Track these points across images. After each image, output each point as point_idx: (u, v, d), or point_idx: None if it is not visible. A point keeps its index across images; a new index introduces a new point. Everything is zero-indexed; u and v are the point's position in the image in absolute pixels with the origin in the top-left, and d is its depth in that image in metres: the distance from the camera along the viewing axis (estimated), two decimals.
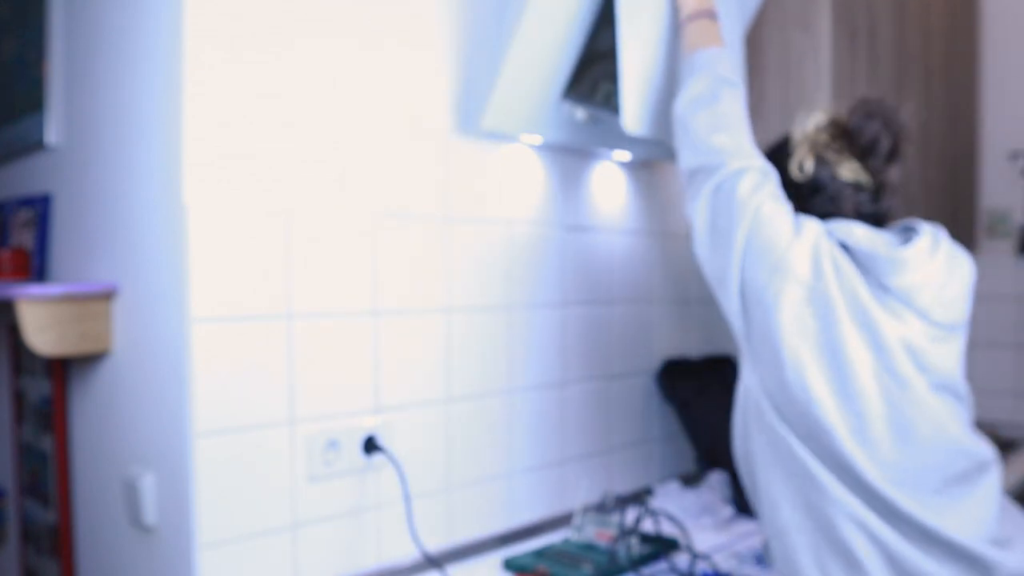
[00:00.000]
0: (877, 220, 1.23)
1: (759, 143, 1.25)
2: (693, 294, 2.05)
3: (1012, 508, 1.17)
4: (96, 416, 1.39)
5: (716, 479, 1.80)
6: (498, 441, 1.59)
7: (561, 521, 1.68)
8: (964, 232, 2.79)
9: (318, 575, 1.32)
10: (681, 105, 1.26)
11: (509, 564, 1.46)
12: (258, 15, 1.23)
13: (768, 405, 1.11)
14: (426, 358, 1.47)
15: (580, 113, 1.59)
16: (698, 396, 1.93)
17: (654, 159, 1.88)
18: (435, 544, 1.47)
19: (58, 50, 1.47)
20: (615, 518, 1.53)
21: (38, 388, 1.54)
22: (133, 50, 1.28)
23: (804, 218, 1.16)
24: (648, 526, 1.59)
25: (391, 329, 1.41)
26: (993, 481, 1.12)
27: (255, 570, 1.24)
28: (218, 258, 1.20)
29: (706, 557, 1.46)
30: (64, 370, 1.46)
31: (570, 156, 1.73)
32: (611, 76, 1.55)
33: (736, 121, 1.22)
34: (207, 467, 1.19)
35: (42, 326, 1.26)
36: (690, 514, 1.70)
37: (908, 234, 1.21)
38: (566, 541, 1.57)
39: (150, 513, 1.25)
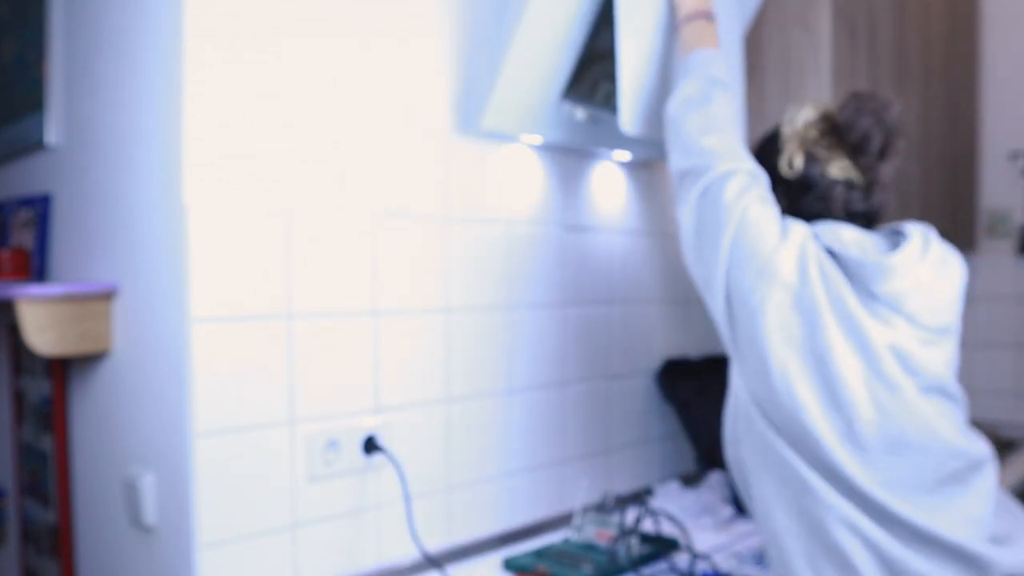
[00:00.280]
0: (868, 218, 1.21)
1: (745, 147, 1.24)
2: (693, 294, 2.05)
3: (1011, 505, 1.16)
4: (96, 416, 1.39)
5: (716, 479, 1.80)
6: (498, 441, 1.59)
7: (561, 521, 1.68)
8: (964, 232, 2.79)
9: (318, 575, 1.32)
10: (673, 106, 1.25)
11: (509, 564, 1.46)
12: (258, 15, 1.23)
13: (757, 411, 1.10)
14: (426, 358, 1.47)
15: (580, 113, 1.59)
16: (698, 396, 1.93)
17: (654, 159, 1.88)
18: (435, 544, 1.47)
19: (58, 50, 1.47)
20: (615, 518, 1.53)
21: (38, 388, 1.54)
22: (133, 50, 1.28)
23: (791, 221, 1.14)
24: (648, 526, 1.59)
25: (391, 329, 1.41)
26: (988, 479, 1.11)
27: (255, 570, 1.24)
28: (218, 258, 1.20)
29: (706, 557, 1.46)
30: (64, 370, 1.46)
31: (570, 156, 1.73)
32: (611, 76, 1.55)
33: (727, 123, 1.21)
34: (207, 467, 1.19)
35: (42, 326, 1.26)
36: (690, 514, 1.70)
37: (897, 238, 1.19)
38: (566, 541, 1.57)
39: (150, 513, 1.25)
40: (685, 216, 1.17)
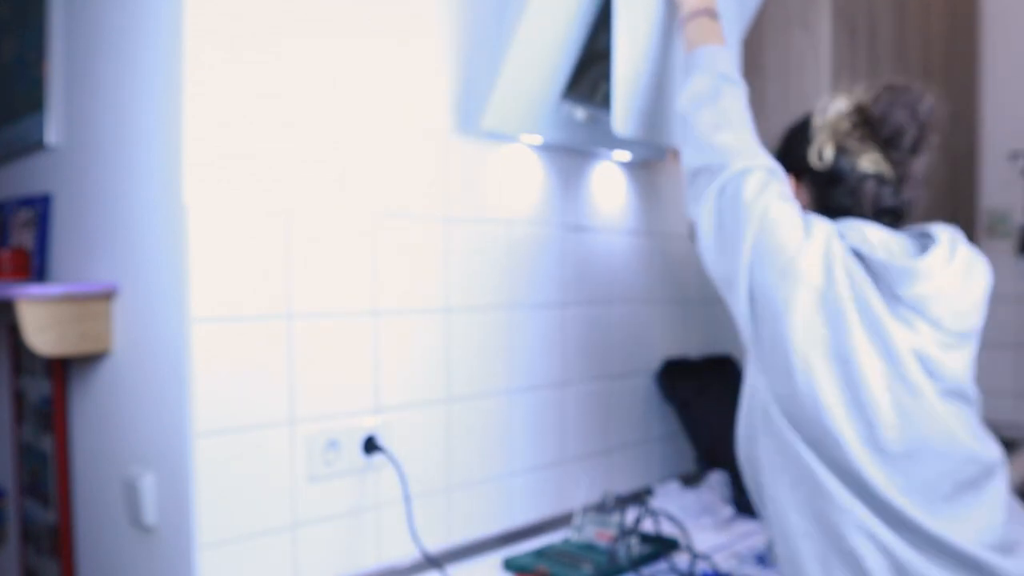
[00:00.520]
0: (897, 214, 1.18)
1: (759, 143, 1.23)
2: (693, 294, 2.05)
3: (1019, 510, 1.15)
4: (96, 416, 1.39)
5: (716, 479, 1.80)
6: (498, 441, 1.59)
7: (561, 521, 1.68)
8: (964, 232, 2.78)
9: (318, 575, 1.32)
10: (683, 103, 1.24)
11: (509, 564, 1.46)
12: (258, 15, 1.23)
13: (777, 410, 1.08)
14: (426, 358, 1.47)
15: (580, 113, 1.59)
16: (698, 396, 1.93)
17: (654, 159, 1.88)
18: (435, 544, 1.47)
19: (58, 50, 1.47)
20: (615, 518, 1.53)
21: (38, 388, 1.54)
22: (133, 50, 1.28)
23: (814, 218, 1.12)
24: (648, 526, 1.59)
25: (391, 329, 1.41)
26: (1000, 485, 1.10)
27: (255, 570, 1.24)
28: (218, 258, 1.20)
29: (706, 557, 1.46)
30: (64, 370, 1.46)
31: (570, 156, 1.73)
32: (610, 76, 1.55)
33: (739, 119, 1.20)
34: (207, 467, 1.19)
35: (42, 326, 1.26)
36: (690, 514, 1.70)
37: (924, 240, 1.17)
38: (566, 541, 1.57)
39: (150, 513, 1.25)
40: (703, 215, 1.15)
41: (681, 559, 1.48)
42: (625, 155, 1.80)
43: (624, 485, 1.86)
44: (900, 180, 1.18)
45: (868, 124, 1.17)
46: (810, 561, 1.07)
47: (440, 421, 1.50)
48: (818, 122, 1.20)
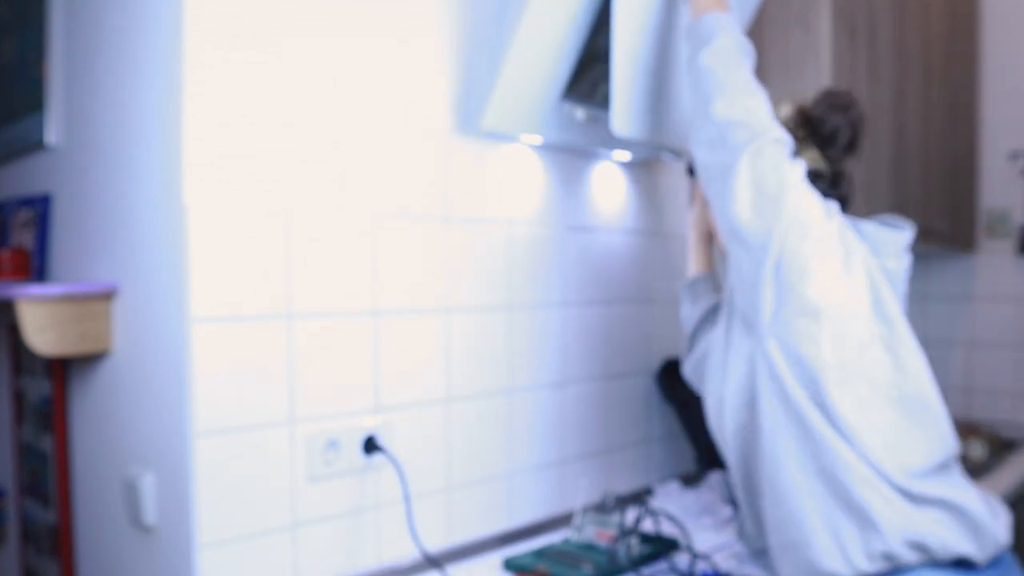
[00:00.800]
0: (839, 203, 1.28)
1: None
2: None
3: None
4: (96, 416, 1.39)
5: (716, 479, 1.80)
6: (498, 441, 1.59)
7: (561, 521, 1.68)
8: (964, 232, 2.79)
9: (318, 575, 1.32)
10: (712, 59, 1.24)
11: (509, 564, 1.46)
12: (258, 15, 1.23)
13: (789, 373, 1.13)
14: (426, 358, 1.47)
15: (580, 113, 1.59)
16: (698, 396, 1.93)
17: (654, 159, 1.88)
18: (435, 544, 1.47)
19: (58, 50, 1.47)
20: (615, 518, 1.53)
21: (38, 388, 1.54)
22: (133, 50, 1.28)
23: (831, 202, 1.22)
24: (648, 526, 1.59)
25: (391, 329, 1.41)
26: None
27: (255, 570, 1.24)
28: (218, 258, 1.20)
29: (706, 557, 1.46)
30: (64, 370, 1.46)
31: (570, 156, 1.73)
32: (610, 77, 1.55)
33: (760, 88, 1.24)
34: (207, 467, 1.19)
35: (42, 326, 1.26)
36: (690, 514, 1.70)
37: (891, 225, 1.29)
38: (566, 541, 1.57)
39: (150, 513, 1.25)
40: (741, 171, 1.17)
41: (681, 559, 1.49)
42: (625, 155, 1.80)
43: (624, 485, 1.86)
44: (836, 176, 1.31)
45: (809, 125, 1.30)
46: (815, 519, 1.10)
47: (440, 421, 1.50)
48: None
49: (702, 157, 1.23)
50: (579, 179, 1.75)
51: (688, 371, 1.52)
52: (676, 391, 1.93)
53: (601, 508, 1.62)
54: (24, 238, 1.56)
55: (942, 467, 1.13)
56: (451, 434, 1.52)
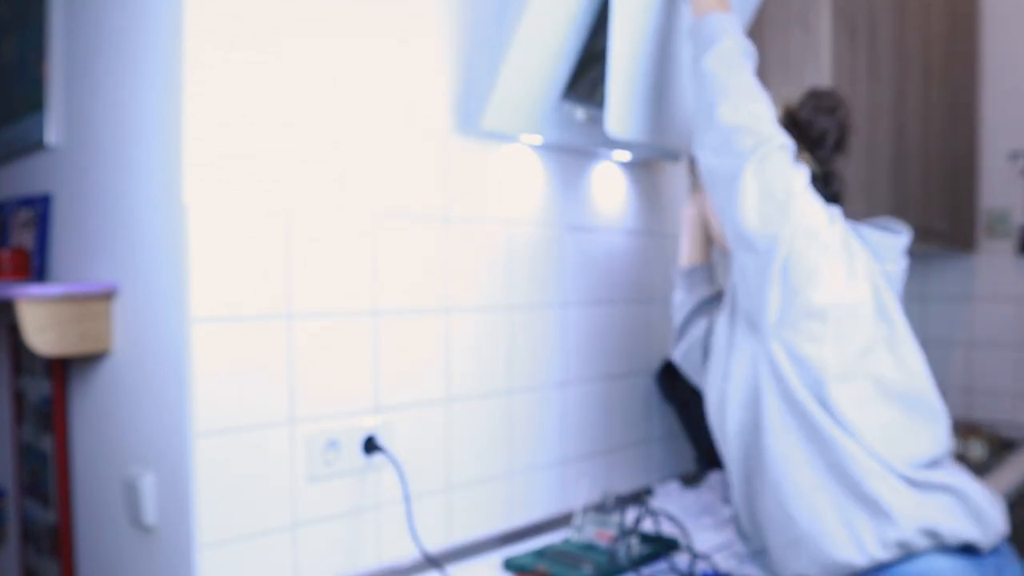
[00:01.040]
0: (833, 203, 1.31)
1: None
2: None
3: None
4: (96, 416, 1.39)
5: (716, 479, 1.80)
6: (498, 441, 1.59)
7: (561, 521, 1.68)
8: (964, 232, 2.79)
9: (318, 575, 1.32)
10: (716, 63, 1.25)
11: (509, 564, 1.46)
12: (258, 15, 1.23)
13: (793, 372, 1.15)
14: (426, 358, 1.47)
15: (580, 113, 1.59)
16: (698, 396, 1.93)
17: (654, 159, 1.88)
18: (435, 544, 1.47)
19: (58, 50, 1.47)
20: (615, 518, 1.53)
21: (38, 388, 1.54)
22: (133, 50, 1.28)
23: (833, 207, 1.24)
24: (648, 526, 1.59)
25: (391, 329, 1.41)
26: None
27: (255, 570, 1.24)
28: (218, 258, 1.20)
29: (706, 557, 1.46)
30: (64, 370, 1.46)
31: (570, 156, 1.73)
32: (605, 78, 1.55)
33: (763, 94, 1.25)
34: (207, 467, 1.19)
35: (42, 326, 1.26)
36: (690, 514, 1.70)
37: (889, 230, 1.31)
38: (566, 541, 1.57)
39: (150, 513, 1.25)
40: (748, 176, 1.18)
41: (681, 559, 1.49)
42: (625, 155, 1.80)
43: (624, 485, 1.86)
44: (827, 176, 1.34)
45: (797, 127, 1.32)
46: (827, 513, 1.13)
47: (440, 421, 1.50)
48: None
49: (707, 161, 1.23)
50: (579, 179, 1.75)
51: (678, 357, 1.55)
52: (676, 391, 1.93)
53: (601, 508, 1.62)
54: (24, 238, 1.56)
55: (937, 462, 1.17)
56: (451, 434, 1.52)
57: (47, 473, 1.52)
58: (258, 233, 1.24)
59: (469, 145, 1.53)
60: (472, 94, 1.50)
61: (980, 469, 2.19)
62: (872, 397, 1.15)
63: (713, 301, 1.54)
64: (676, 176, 2.00)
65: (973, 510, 1.12)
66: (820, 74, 1.95)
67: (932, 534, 1.09)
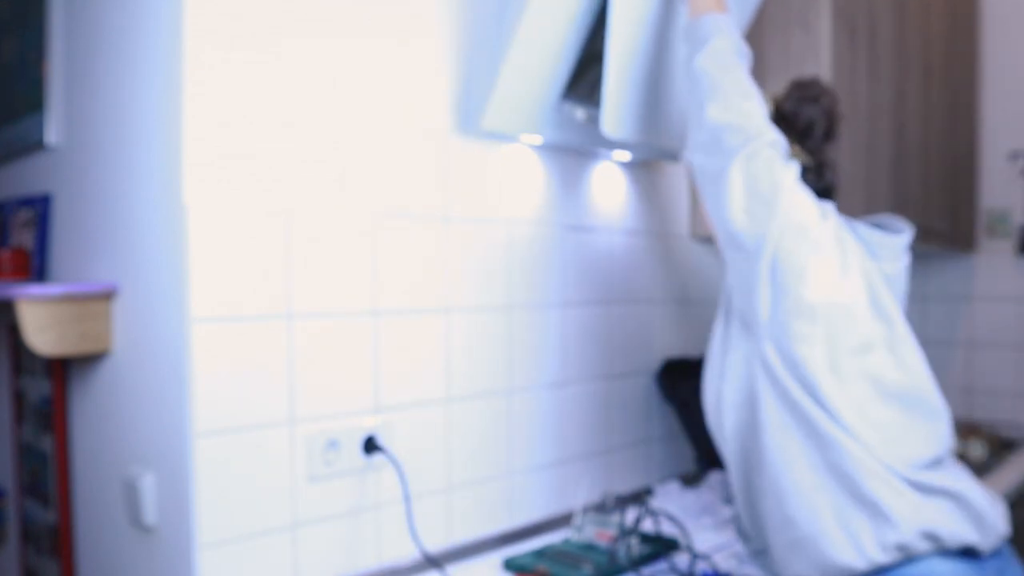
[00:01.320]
0: (824, 195, 1.29)
1: None
2: (693, 294, 2.05)
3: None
4: (96, 416, 1.39)
5: (716, 479, 1.80)
6: (498, 441, 1.59)
7: (561, 521, 1.68)
8: (964, 232, 2.79)
9: (318, 575, 1.32)
10: (708, 62, 1.25)
11: (509, 564, 1.46)
12: (258, 15, 1.23)
13: (787, 372, 1.14)
14: (426, 358, 1.47)
15: (580, 113, 1.59)
16: (698, 396, 1.93)
17: (654, 159, 1.88)
18: (435, 544, 1.47)
19: (58, 50, 1.47)
20: (615, 518, 1.53)
21: (38, 388, 1.54)
22: (133, 50, 1.28)
23: (826, 203, 1.23)
24: (648, 526, 1.59)
25: (391, 329, 1.41)
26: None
27: (255, 570, 1.24)
28: (218, 258, 1.20)
29: (706, 557, 1.46)
30: (64, 370, 1.46)
31: (570, 156, 1.73)
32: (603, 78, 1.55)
33: (756, 91, 1.25)
34: (207, 467, 1.19)
35: (42, 326, 1.26)
36: (690, 514, 1.70)
37: (888, 229, 1.29)
38: (566, 541, 1.57)
39: (150, 513, 1.25)
40: (735, 174, 1.18)
41: (681, 559, 1.49)
42: (625, 155, 1.80)
43: (624, 485, 1.86)
44: (819, 167, 1.32)
45: (783, 120, 1.31)
46: (825, 514, 1.11)
47: (440, 421, 1.50)
48: None
49: (697, 161, 1.23)
50: (579, 179, 1.75)
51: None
52: (676, 391, 1.93)
53: (601, 508, 1.62)
54: (24, 238, 1.56)
55: (938, 462, 1.15)
56: (451, 434, 1.52)
57: (47, 473, 1.52)
58: (258, 233, 1.24)
59: (469, 145, 1.53)
60: (472, 94, 1.50)
61: (980, 469, 2.19)
62: (871, 397, 1.14)
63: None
64: (676, 176, 2.00)
65: (973, 513, 1.11)
66: (820, 74, 1.95)
67: (932, 537, 1.08)
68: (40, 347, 1.26)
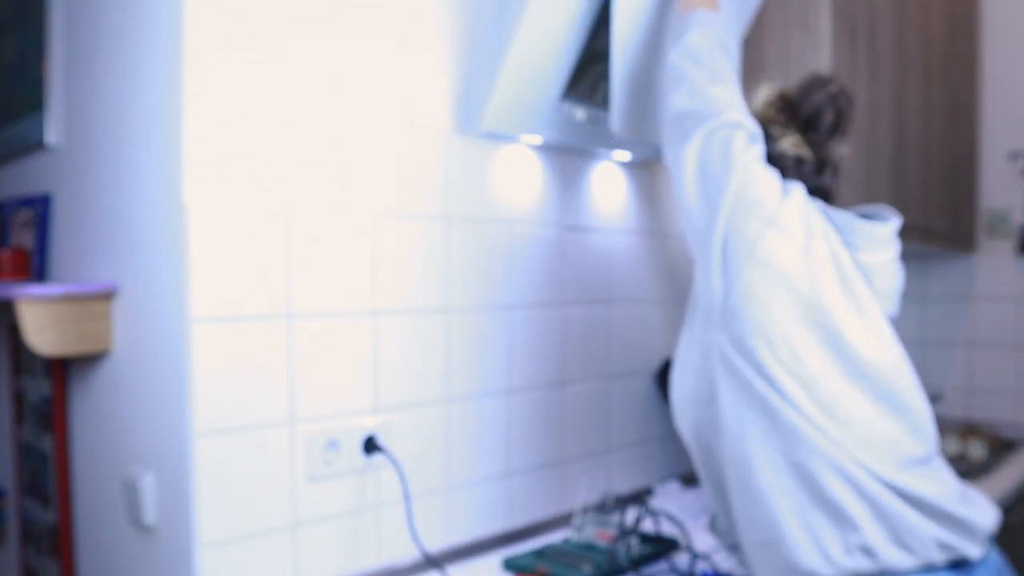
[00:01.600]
0: (821, 195, 1.23)
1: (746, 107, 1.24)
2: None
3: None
4: (96, 416, 1.39)
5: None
6: (498, 441, 1.59)
7: (561, 521, 1.68)
8: (964, 232, 2.79)
9: (318, 575, 1.32)
10: (679, 54, 1.24)
11: (509, 564, 1.46)
12: (258, 15, 1.23)
13: (744, 363, 1.08)
14: (426, 358, 1.47)
15: (580, 113, 1.60)
16: None
17: (654, 159, 1.88)
18: (435, 544, 1.47)
19: (58, 50, 1.47)
20: (615, 518, 1.53)
21: (38, 388, 1.54)
22: (133, 50, 1.28)
23: (791, 183, 1.16)
24: (648, 526, 1.59)
25: (391, 329, 1.41)
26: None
27: (255, 570, 1.24)
28: (218, 258, 1.20)
29: (706, 557, 1.46)
30: (64, 370, 1.46)
31: (570, 156, 1.73)
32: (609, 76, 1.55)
33: (732, 80, 1.22)
34: (207, 467, 1.19)
35: (42, 326, 1.26)
36: (690, 514, 1.70)
37: (874, 217, 1.22)
38: (566, 541, 1.57)
39: (150, 513, 1.25)
40: (688, 157, 1.15)
41: (681, 559, 1.49)
42: (625, 155, 1.80)
43: (624, 485, 1.86)
44: (820, 163, 1.23)
45: (790, 108, 1.24)
46: (788, 517, 1.06)
47: (440, 421, 1.50)
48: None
49: (664, 149, 1.21)
50: (579, 179, 1.75)
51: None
52: None
53: (601, 508, 1.62)
54: (24, 238, 1.56)
55: (920, 462, 1.09)
56: (451, 434, 1.52)
57: (47, 473, 1.52)
58: (258, 233, 1.24)
59: (469, 145, 1.53)
60: (472, 94, 1.50)
61: (980, 469, 2.19)
62: (839, 394, 1.06)
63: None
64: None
65: (955, 522, 1.05)
66: None
67: (901, 543, 1.03)
68: (40, 347, 1.26)
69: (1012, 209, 2.85)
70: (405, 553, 1.42)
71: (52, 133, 1.47)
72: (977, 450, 2.33)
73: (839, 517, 1.04)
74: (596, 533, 1.56)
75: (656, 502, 1.75)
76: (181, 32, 1.16)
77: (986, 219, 2.90)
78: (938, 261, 2.96)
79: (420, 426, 1.46)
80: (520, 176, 1.63)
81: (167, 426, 1.22)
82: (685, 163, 1.15)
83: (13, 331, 1.57)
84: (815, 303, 1.08)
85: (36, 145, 1.52)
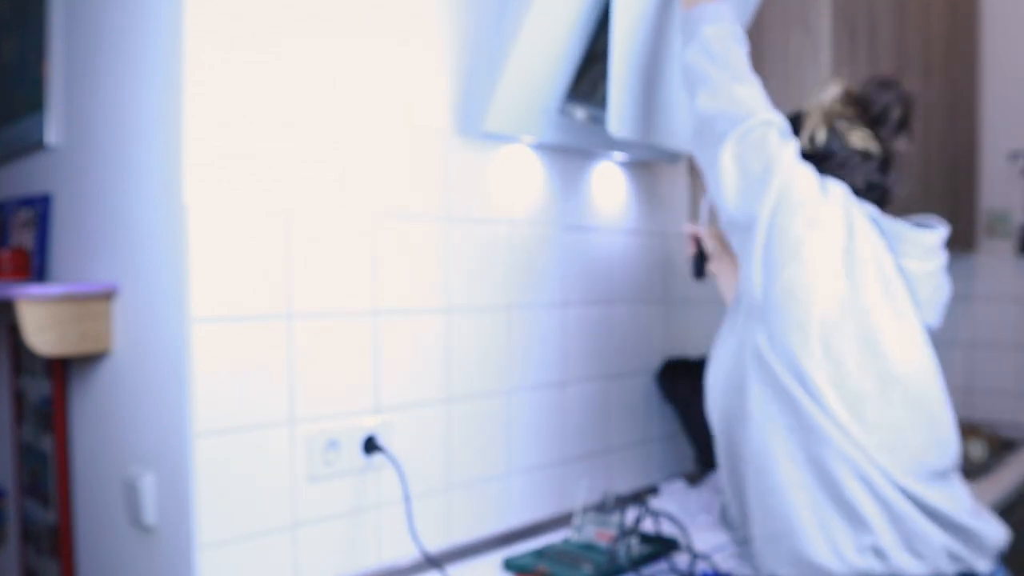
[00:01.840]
0: (883, 192, 1.24)
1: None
2: (693, 294, 2.05)
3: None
4: (96, 416, 1.39)
5: (716, 479, 1.80)
6: (498, 441, 1.59)
7: (561, 521, 1.68)
8: (964, 232, 2.79)
9: (318, 575, 1.32)
10: (695, 52, 1.24)
11: (509, 564, 1.46)
12: (258, 15, 1.23)
13: (776, 359, 1.10)
14: (426, 358, 1.47)
15: (580, 113, 1.59)
16: (698, 396, 1.93)
17: (654, 159, 1.88)
18: (435, 544, 1.47)
19: (58, 50, 1.47)
20: (615, 518, 1.53)
21: (38, 388, 1.54)
22: (133, 50, 1.28)
23: (829, 180, 1.17)
24: (648, 526, 1.59)
25: (391, 329, 1.41)
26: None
27: (255, 570, 1.24)
28: (218, 258, 1.20)
29: (706, 557, 1.46)
30: (64, 370, 1.46)
31: (570, 156, 1.73)
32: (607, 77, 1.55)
33: (751, 75, 1.23)
34: (207, 467, 1.19)
35: (42, 326, 1.26)
36: (690, 514, 1.70)
37: (918, 223, 1.23)
38: (566, 541, 1.57)
39: (150, 513, 1.25)
40: (724, 158, 1.16)
41: (681, 559, 1.49)
42: (625, 155, 1.80)
43: (624, 485, 1.86)
44: (886, 159, 1.24)
45: (857, 104, 1.25)
46: (803, 512, 1.08)
47: (440, 421, 1.50)
48: (811, 107, 1.26)
49: (696, 152, 1.23)
50: (579, 179, 1.75)
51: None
52: (676, 391, 1.93)
53: (601, 508, 1.62)
54: (24, 238, 1.56)
55: (940, 475, 1.10)
56: (451, 434, 1.52)
57: (47, 473, 1.52)
58: (258, 233, 1.24)
59: (469, 145, 1.53)
60: (473, 95, 1.50)
61: (980, 469, 2.19)
62: (867, 397, 1.08)
63: None
64: (676, 176, 2.00)
65: (963, 535, 1.07)
66: (820, 74, 1.95)
67: (913, 550, 1.04)
68: (40, 347, 1.26)
69: (1012, 209, 2.85)
70: (405, 553, 1.42)
71: (52, 133, 1.47)
72: (977, 450, 2.33)
73: (853, 517, 1.06)
74: (596, 533, 1.56)
75: (657, 502, 1.75)
76: (181, 32, 1.16)
77: (986, 219, 2.90)
78: None
79: (420, 426, 1.46)
80: (520, 176, 1.63)
81: (167, 426, 1.22)
82: (722, 165, 1.16)
83: (13, 331, 1.57)
84: (854, 303, 1.10)
85: (36, 145, 1.52)
